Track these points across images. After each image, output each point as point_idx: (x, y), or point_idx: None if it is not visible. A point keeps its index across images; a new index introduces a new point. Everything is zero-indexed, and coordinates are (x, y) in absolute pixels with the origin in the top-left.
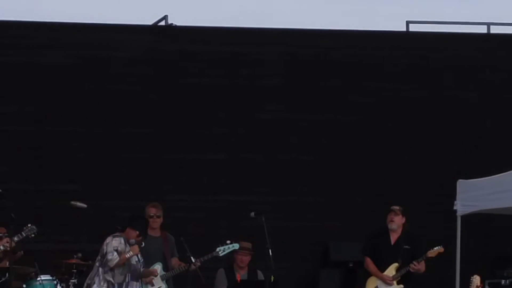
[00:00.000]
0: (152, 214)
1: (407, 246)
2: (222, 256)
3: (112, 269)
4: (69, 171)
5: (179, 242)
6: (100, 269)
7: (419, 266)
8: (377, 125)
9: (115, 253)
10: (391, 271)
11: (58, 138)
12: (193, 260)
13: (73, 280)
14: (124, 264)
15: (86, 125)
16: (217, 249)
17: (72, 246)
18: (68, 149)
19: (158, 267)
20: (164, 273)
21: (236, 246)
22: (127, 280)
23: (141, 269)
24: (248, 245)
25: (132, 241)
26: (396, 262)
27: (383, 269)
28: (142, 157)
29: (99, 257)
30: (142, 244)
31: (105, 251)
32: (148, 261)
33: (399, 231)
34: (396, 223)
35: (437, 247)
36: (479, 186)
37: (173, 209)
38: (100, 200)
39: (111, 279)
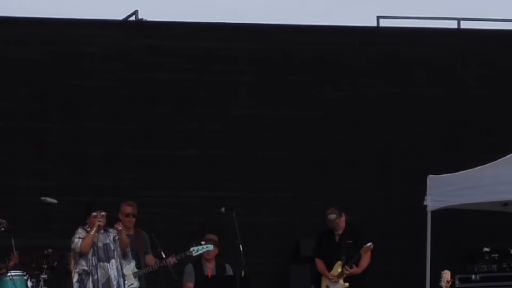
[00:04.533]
0: (128, 213)
1: (350, 241)
2: (195, 256)
3: (83, 255)
4: (40, 167)
5: (150, 238)
6: (74, 265)
7: (351, 270)
8: (348, 121)
9: (80, 240)
10: (336, 269)
11: (30, 134)
12: (163, 255)
13: (43, 276)
14: (93, 243)
15: (58, 121)
16: (191, 249)
17: (42, 242)
18: (39, 144)
19: (131, 264)
20: (136, 270)
21: (210, 247)
22: (94, 263)
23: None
24: (214, 237)
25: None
26: (340, 260)
27: (331, 268)
28: (113, 153)
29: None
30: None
31: (71, 243)
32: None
33: (343, 227)
34: (340, 226)
35: (367, 245)
36: (449, 182)
37: (145, 205)
38: (71, 196)
39: (84, 268)
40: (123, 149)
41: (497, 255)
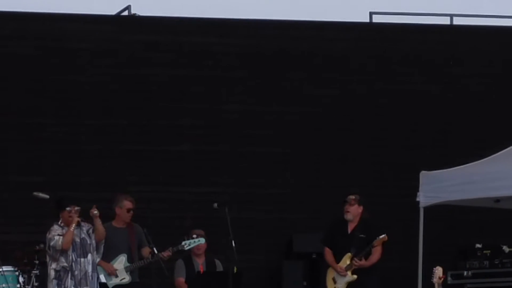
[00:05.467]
0: (129, 209)
1: (362, 235)
2: (187, 249)
3: (63, 252)
4: (33, 162)
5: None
6: (50, 262)
7: (360, 263)
8: (342, 117)
9: (60, 237)
10: (345, 261)
11: (22, 129)
12: (155, 251)
13: (35, 271)
14: (72, 239)
15: (50, 116)
16: (183, 243)
17: (34, 237)
18: (31, 140)
19: (122, 258)
20: (128, 264)
21: (202, 240)
22: (74, 259)
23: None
24: (201, 232)
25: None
26: (349, 252)
27: (339, 259)
28: (106, 148)
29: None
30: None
31: (49, 241)
32: (113, 252)
33: (356, 220)
34: (352, 213)
35: (381, 236)
36: (442, 178)
37: (137, 200)
38: (64, 192)
39: (64, 265)
40: (116, 144)
41: (489, 251)
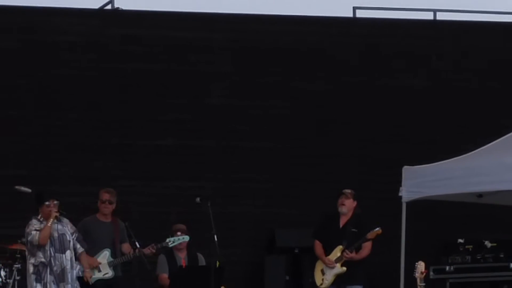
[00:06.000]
0: (105, 200)
1: (354, 230)
2: (171, 246)
3: (40, 247)
4: (14, 156)
5: (125, 227)
6: (29, 257)
7: (351, 255)
8: (325, 112)
9: (37, 232)
10: (335, 253)
11: (4, 123)
12: (137, 245)
13: (16, 265)
14: (50, 235)
15: (32, 110)
16: (167, 240)
17: (16, 231)
18: (13, 133)
19: (106, 253)
20: (112, 259)
21: (186, 238)
22: (52, 254)
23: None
24: (182, 226)
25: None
26: (340, 245)
27: (329, 252)
28: (89, 142)
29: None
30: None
31: (27, 236)
32: (97, 246)
33: (349, 214)
34: (347, 206)
35: (376, 229)
36: (424, 173)
37: (120, 195)
38: (46, 185)
39: (42, 260)
40: (99, 138)
41: (471, 246)
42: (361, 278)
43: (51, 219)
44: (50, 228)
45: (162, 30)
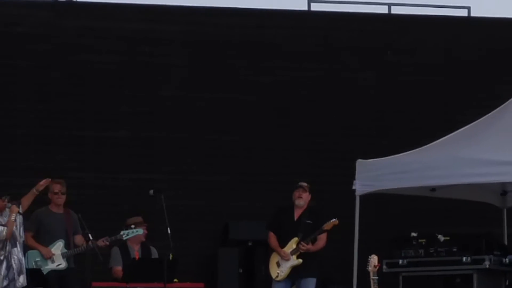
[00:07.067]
0: (57, 191)
1: (309, 221)
2: (125, 239)
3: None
4: None
5: (78, 219)
6: None
7: (308, 246)
8: (279, 105)
9: (4, 228)
10: (291, 245)
11: None
12: (90, 237)
13: None
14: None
15: None
16: (121, 233)
17: None
18: None
19: (60, 244)
20: (65, 250)
21: (140, 231)
22: (10, 249)
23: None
24: (138, 219)
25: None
26: (296, 237)
27: (284, 244)
28: (41, 133)
29: None
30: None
31: None
32: (50, 238)
33: (304, 207)
34: (304, 199)
35: (332, 220)
36: (378, 167)
37: (73, 186)
38: (0, 177)
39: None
40: (52, 130)
41: (424, 240)
42: (315, 270)
43: (14, 214)
44: (13, 223)
45: (116, 22)
